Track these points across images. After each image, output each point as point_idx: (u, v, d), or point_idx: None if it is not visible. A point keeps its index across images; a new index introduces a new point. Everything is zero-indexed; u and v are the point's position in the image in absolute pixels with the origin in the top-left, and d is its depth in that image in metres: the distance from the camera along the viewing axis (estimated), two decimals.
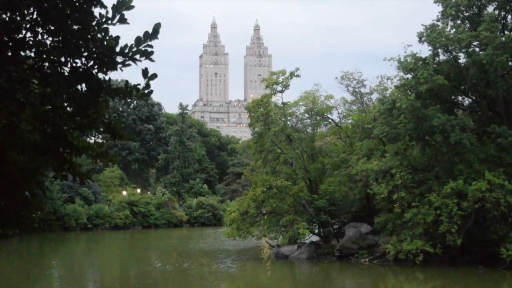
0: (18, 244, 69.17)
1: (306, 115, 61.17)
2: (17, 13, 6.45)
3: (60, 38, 6.71)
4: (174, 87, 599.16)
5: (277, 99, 57.42)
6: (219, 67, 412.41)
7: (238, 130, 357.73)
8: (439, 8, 46.67)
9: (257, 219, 52.12)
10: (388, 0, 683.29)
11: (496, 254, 40.19)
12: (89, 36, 6.73)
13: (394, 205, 44.33)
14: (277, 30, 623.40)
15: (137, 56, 6.78)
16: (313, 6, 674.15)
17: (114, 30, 7.12)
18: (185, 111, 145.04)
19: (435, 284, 37.59)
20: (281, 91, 55.38)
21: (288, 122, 57.84)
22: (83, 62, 6.81)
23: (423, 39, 45.44)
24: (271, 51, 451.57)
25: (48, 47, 6.70)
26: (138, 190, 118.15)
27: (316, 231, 55.01)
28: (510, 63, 43.74)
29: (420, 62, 44.84)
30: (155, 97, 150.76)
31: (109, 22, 6.76)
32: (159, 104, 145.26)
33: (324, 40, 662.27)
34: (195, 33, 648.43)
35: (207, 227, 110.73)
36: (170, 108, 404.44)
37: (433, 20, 46.50)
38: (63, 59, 6.77)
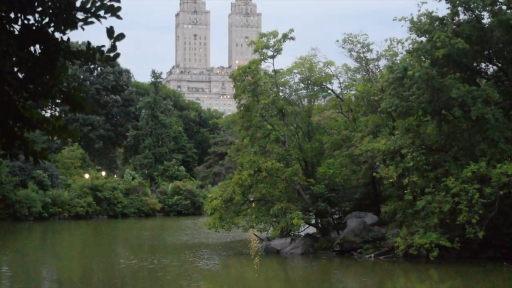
0: None
1: (302, 85, 61.13)
2: None
3: None
4: (146, 52, 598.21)
5: (267, 66, 57.63)
6: (198, 27, 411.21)
7: (221, 103, 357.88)
8: None
9: (243, 208, 52.25)
10: None
11: None
12: None
13: (405, 192, 44.45)
14: None
15: (101, 12, 6.69)
16: None
17: None
18: (158, 80, 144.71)
19: (452, 284, 37.90)
20: (272, 57, 55.26)
21: (281, 93, 57.84)
22: (37, 18, 6.71)
23: None
24: (261, 9, 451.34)
25: None
26: (103, 173, 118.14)
27: (313, 221, 55.23)
28: None
29: (437, 23, 44.80)
30: (123, 63, 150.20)
31: None
32: (127, 72, 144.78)
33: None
34: None
35: (185, 216, 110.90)
36: (141, 76, 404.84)
37: None
38: (12, 15, 6.67)
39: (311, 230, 56.28)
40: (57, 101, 7.22)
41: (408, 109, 44.95)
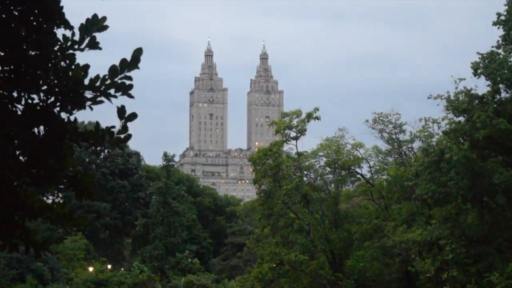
0: None
1: (328, 169, 61.19)
2: None
3: (12, 67, 6.70)
4: (158, 132, 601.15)
5: (290, 148, 57.62)
6: (215, 106, 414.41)
7: (239, 188, 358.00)
8: (499, 31, 46.86)
9: None
10: (435, 22, 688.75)
11: None
12: (49, 65, 6.71)
13: (443, 287, 43.98)
14: (290, 58, 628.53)
15: (112, 91, 6.72)
16: (334, 27, 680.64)
17: (83, 57, 7.03)
18: (171, 163, 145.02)
19: None
20: (296, 138, 55.56)
21: (305, 178, 57.92)
22: (42, 98, 6.75)
23: (479, 71, 45.61)
24: (282, 86, 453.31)
25: None
26: (109, 266, 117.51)
27: None
28: None
29: (476, 101, 44.93)
30: (132, 145, 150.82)
31: (76, 46, 6.74)
32: (137, 154, 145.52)
33: (351, 72, 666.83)
34: (186, 62, 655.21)
35: None
36: (152, 159, 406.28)
37: (493, 47, 46.59)
38: (15, 94, 6.74)
39: None
40: (61, 186, 7.22)
41: (446, 196, 44.77)
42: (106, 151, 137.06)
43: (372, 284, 53.77)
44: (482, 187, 43.39)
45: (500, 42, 46.98)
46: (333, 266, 54.12)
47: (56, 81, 6.72)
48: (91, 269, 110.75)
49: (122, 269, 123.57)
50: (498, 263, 42.62)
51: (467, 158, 42.68)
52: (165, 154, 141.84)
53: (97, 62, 7.16)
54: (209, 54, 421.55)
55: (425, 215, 49.71)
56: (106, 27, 6.73)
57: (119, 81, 6.71)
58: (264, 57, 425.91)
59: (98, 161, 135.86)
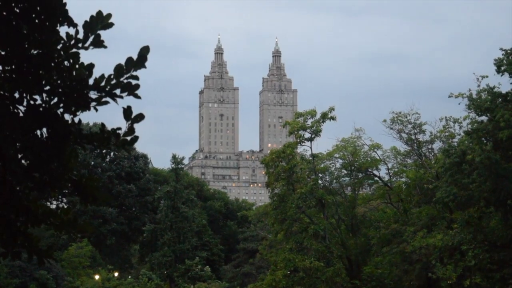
0: None
1: (344, 171, 61.15)
2: None
3: (14, 67, 6.70)
4: (167, 134, 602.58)
5: (304, 149, 57.58)
6: (225, 106, 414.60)
7: (251, 192, 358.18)
8: None
9: None
10: (456, 16, 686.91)
11: None
12: (52, 64, 6.70)
13: None
14: (304, 56, 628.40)
15: (117, 91, 6.72)
16: (349, 23, 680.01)
17: (87, 56, 7.03)
18: (180, 166, 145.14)
19: None
20: (310, 139, 55.56)
21: (320, 181, 57.85)
22: (44, 98, 6.75)
23: (502, 68, 45.51)
24: (296, 85, 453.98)
25: None
26: (116, 274, 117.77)
27: None
28: None
29: (500, 100, 44.83)
30: (140, 147, 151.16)
31: (80, 45, 6.74)
32: (145, 157, 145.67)
33: (367, 69, 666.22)
34: (197, 60, 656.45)
35: None
36: (160, 162, 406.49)
37: None
38: (17, 95, 6.74)
39: None
40: (65, 190, 7.22)
41: (468, 199, 44.67)
42: (112, 153, 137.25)
43: None
44: (506, 190, 43.26)
45: None
46: (350, 273, 54.08)
47: (59, 81, 6.72)
48: (97, 277, 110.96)
49: (130, 277, 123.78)
50: None
51: (490, 160, 42.56)
52: (174, 157, 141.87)
53: (105, 62, 7.17)
54: (219, 52, 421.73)
55: (446, 219, 49.61)
56: (111, 25, 6.72)
57: (125, 81, 6.70)
58: (276, 55, 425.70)
59: (103, 164, 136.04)
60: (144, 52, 6.68)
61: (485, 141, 44.65)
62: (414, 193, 55.86)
